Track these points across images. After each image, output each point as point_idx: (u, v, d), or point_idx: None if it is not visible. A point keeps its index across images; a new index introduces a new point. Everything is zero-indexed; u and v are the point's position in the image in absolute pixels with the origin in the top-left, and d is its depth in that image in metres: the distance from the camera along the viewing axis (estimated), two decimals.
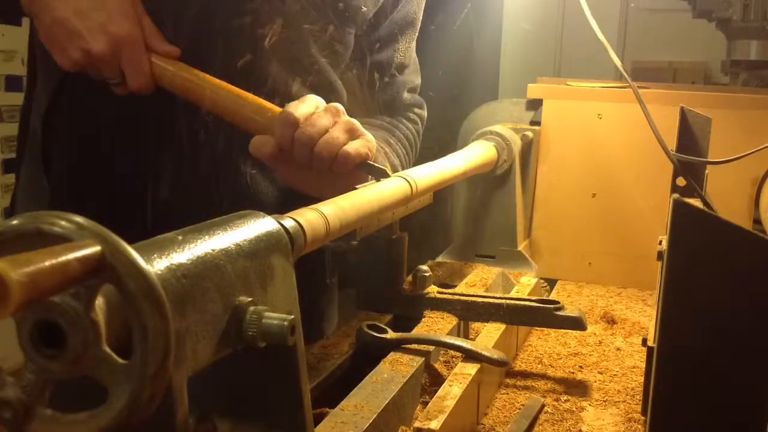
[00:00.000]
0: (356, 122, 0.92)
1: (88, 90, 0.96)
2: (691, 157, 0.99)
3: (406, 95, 1.22)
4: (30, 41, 1.07)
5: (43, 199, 1.04)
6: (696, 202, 0.83)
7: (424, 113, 1.25)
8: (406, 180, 0.93)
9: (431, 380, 0.88)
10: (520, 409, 0.90)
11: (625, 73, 1.24)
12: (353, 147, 0.90)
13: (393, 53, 1.17)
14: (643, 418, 0.88)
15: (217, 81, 0.93)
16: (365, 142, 0.92)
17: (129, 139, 1.01)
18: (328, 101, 0.94)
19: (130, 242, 0.40)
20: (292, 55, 1.02)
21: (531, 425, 0.86)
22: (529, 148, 1.43)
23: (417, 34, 1.22)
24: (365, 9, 1.07)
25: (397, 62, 1.18)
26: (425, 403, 0.81)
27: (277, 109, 0.92)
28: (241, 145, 0.95)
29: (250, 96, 0.93)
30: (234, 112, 0.92)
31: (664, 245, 0.68)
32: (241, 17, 0.97)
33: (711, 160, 1.00)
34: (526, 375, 1.01)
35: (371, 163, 0.91)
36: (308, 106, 0.91)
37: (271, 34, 0.99)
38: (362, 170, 0.91)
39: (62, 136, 1.03)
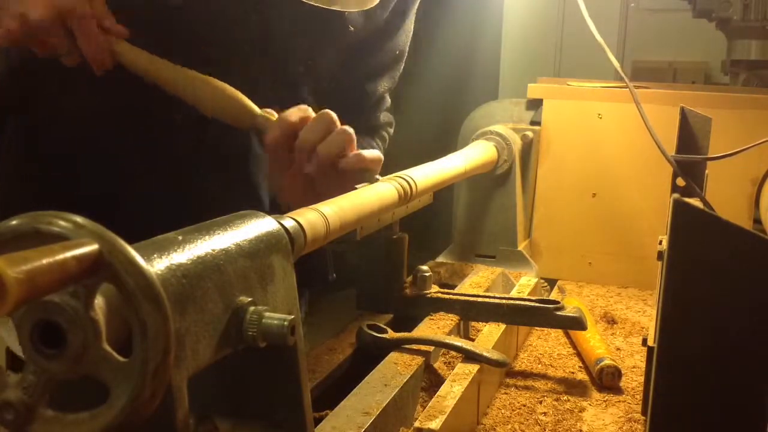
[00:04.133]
0: (352, 131, 0.91)
1: (42, 77, 0.94)
2: (688, 156, 0.99)
3: (382, 116, 1.24)
4: None
5: None
6: (696, 202, 0.83)
7: (392, 131, 1.27)
8: (406, 180, 0.93)
9: (431, 380, 0.88)
10: (520, 409, 0.90)
11: (622, 74, 1.24)
12: (370, 152, 0.92)
13: (379, 82, 1.19)
14: (643, 418, 0.88)
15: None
16: (375, 151, 0.93)
17: (87, 132, 1.00)
18: None
19: None
20: (266, 66, 1.02)
21: None
22: (529, 148, 1.43)
23: (403, 64, 1.24)
24: (352, 29, 1.07)
25: (381, 91, 1.20)
26: (425, 403, 0.81)
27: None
28: (211, 145, 0.95)
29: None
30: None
31: (664, 245, 0.68)
32: (218, 22, 0.97)
33: (708, 156, 1.00)
34: (526, 375, 1.01)
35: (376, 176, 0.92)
36: (301, 111, 0.91)
37: (248, 41, 0.99)
38: (362, 175, 0.91)
39: (12, 126, 1.02)
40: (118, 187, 1.02)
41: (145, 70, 0.90)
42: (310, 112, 0.91)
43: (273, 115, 0.92)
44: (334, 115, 0.90)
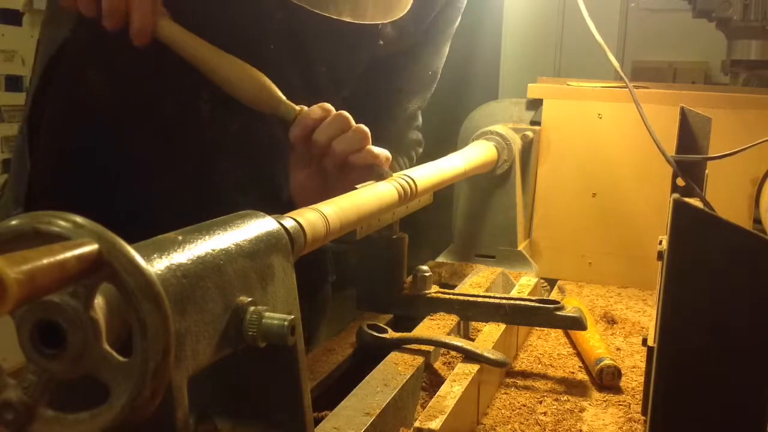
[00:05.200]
0: (367, 130, 0.93)
1: (85, 63, 0.95)
2: (688, 156, 0.99)
3: (411, 134, 1.24)
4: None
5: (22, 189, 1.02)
6: (696, 202, 0.83)
7: (420, 150, 1.28)
8: (406, 180, 0.93)
9: (431, 380, 0.88)
10: (520, 409, 0.90)
11: (622, 73, 1.24)
12: (378, 149, 0.93)
13: (411, 100, 1.20)
14: (643, 418, 0.88)
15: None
16: (383, 150, 0.94)
17: (123, 122, 1.00)
18: None
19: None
20: (289, 65, 1.02)
21: None
22: (529, 148, 1.43)
23: (435, 85, 1.24)
24: (382, 42, 1.08)
25: (412, 109, 1.20)
26: (425, 403, 0.81)
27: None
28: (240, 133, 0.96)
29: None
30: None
31: (664, 245, 0.68)
32: (240, 16, 0.97)
33: (707, 156, 1.00)
34: (526, 375, 1.01)
35: (385, 170, 0.93)
36: (322, 110, 0.93)
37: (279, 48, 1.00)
38: (371, 173, 0.92)
39: (50, 116, 1.01)
40: (141, 182, 1.02)
41: (186, 47, 0.90)
42: (331, 110, 0.93)
43: (295, 107, 0.94)
44: (349, 116, 0.92)
